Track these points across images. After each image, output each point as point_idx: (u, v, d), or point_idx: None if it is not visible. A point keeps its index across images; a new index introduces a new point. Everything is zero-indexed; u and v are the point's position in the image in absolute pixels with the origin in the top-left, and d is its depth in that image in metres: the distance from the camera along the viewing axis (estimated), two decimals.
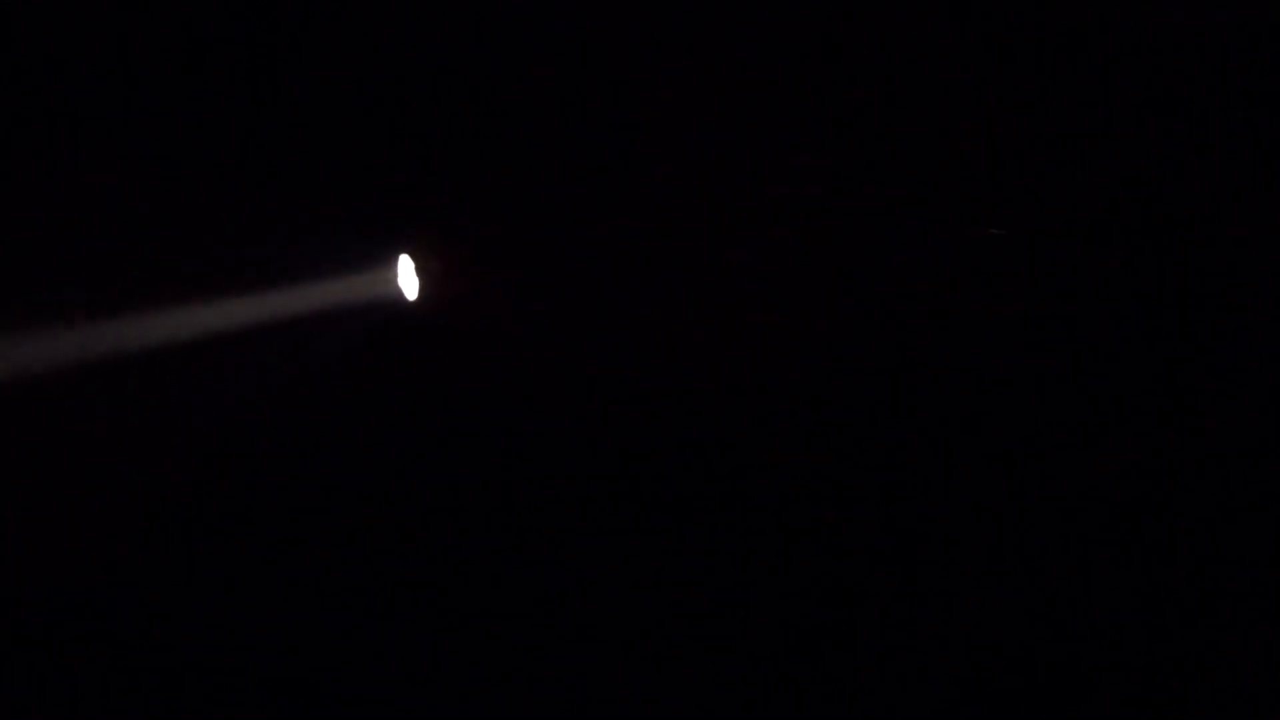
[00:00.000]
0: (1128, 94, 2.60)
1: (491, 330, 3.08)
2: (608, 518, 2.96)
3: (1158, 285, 2.60)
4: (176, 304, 2.89)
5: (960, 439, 2.75)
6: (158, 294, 2.87)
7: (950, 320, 2.74)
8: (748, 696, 2.76)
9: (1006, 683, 2.60)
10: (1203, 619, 2.48)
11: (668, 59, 2.94)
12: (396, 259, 3.11)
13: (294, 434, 3.06)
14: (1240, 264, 2.53)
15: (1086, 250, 2.66)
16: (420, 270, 3.08)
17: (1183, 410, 2.65)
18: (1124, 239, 2.62)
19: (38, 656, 2.74)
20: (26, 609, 2.75)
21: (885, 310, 2.79)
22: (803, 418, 2.90)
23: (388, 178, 3.03)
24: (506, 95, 2.99)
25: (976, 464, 2.73)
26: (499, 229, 3.08)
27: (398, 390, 3.11)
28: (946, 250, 2.72)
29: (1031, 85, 2.66)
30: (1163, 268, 2.59)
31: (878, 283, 2.79)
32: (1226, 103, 2.52)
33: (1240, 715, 2.37)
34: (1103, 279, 2.64)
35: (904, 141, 2.77)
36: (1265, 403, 2.51)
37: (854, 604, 2.76)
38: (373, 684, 2.90)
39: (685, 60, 2.93)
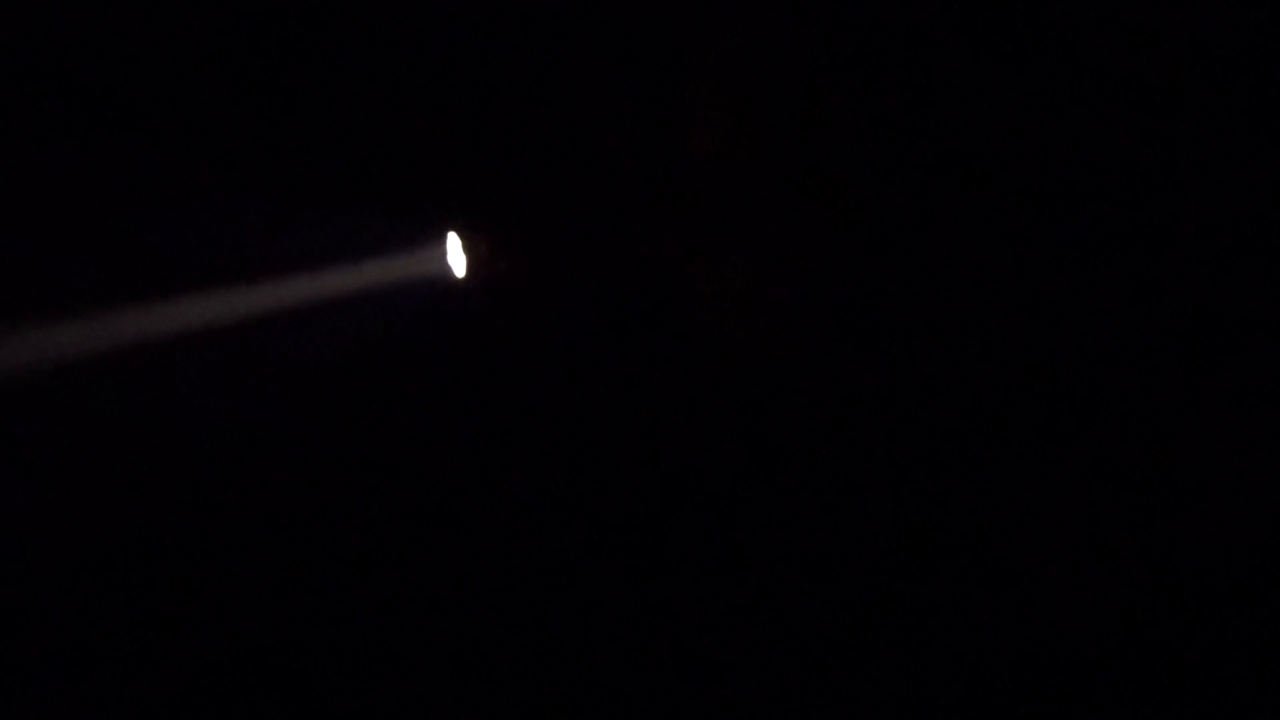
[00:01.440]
0: (1129, 94, 2.44)
1: (535, 307, 3.13)
2: (651, 496, 2.99)
3: (1158, 285, 2.46)
4: (232, 284, 3.02)
5: (961, 439, 2.69)
6: (212, 276, 3.00)
7: (950, 320, 2.67)
8: (750, 697, 2.78)
9: (1007, 683, 2.57)
10: (1203, 619, 2.39)
11: (715, 43, 2.89)
12: (446, 237, 3.19)
13: (345, 407, 3.18)
14: (1240, 264, 2.38)
15: (1087, 250, 2.53)
16: (467, 248, 3.15)
17: (1183, 410, 2.55)
18: (1124, 239, 2.49)
19: (57, 652, 2.81)
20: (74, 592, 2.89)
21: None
22: (841, 406, 2.86)
23: (438, 158, 3.08)
24: (554, 78, 3.00)
25: (977, 464, 2.66)
26: (543, 208, 3.11)
27: (446, 365, 3.20)
28: (948, 249, 2.63)
29: (1032, 85, 2.52)
30: (1163, 267, 2.45)
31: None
32: (1227, 103, 2.34)
33: (1240, 715, 2.30)
34: (1103, 279, 2.51)
35: (910, 140, 2.68)
36: (1265, 403, 2.36)
37: (856, 604, 2.74)
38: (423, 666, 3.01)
39: (733, 45, 2.88)
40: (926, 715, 2.73)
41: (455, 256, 3.20)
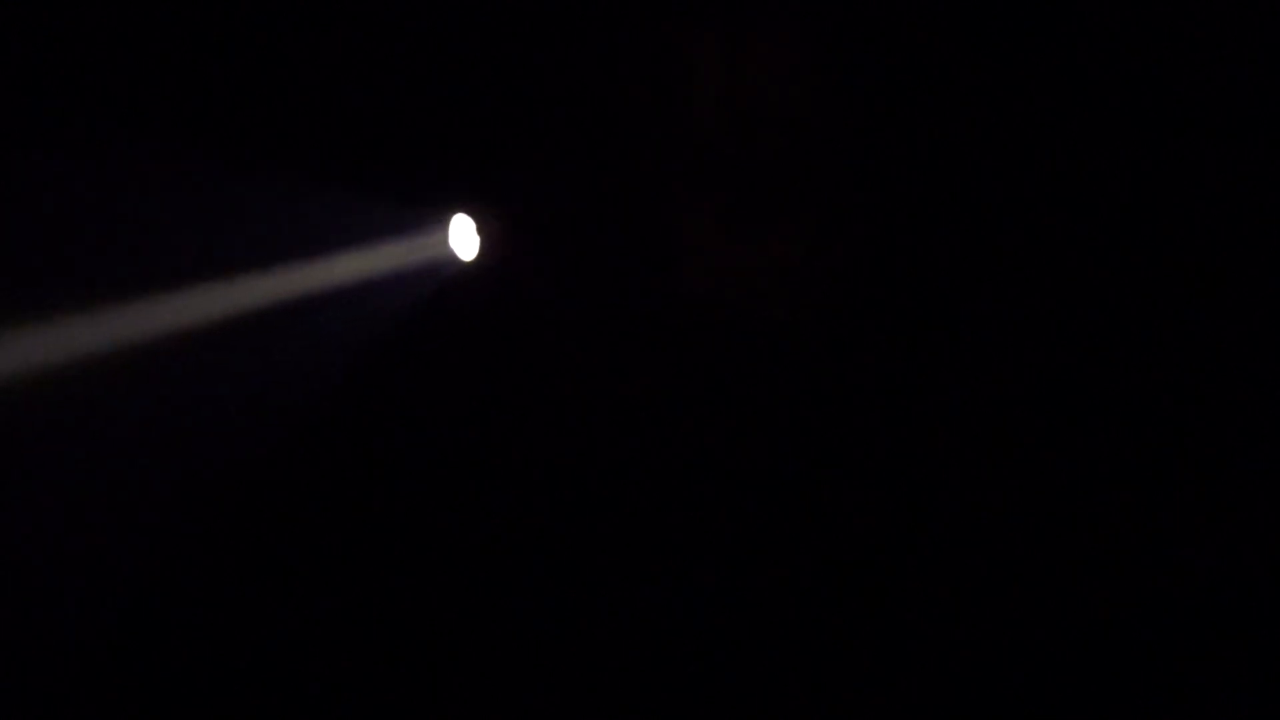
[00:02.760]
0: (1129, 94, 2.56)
1: (556, 290, 3.00)
2: (673, 484, 2.96)
3: (1158, 285, 2.62)
4: (233, 274, 2.76)
5: (962, 440, 2.79)
6: (213, 266, 2.73)
7: (952, 320, 2.75)
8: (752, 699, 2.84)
9: (1008, 683, 2.71)
10: (1202, 620, 2.59)
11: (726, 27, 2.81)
12: (450, 220, 2.98)
13: (353, 401, 2.99)
14: (1240, 264, 2.56)
15: (1087, 251, 2.66)
16: (480, 230, 2.96)
17: (1182, 411, 2.72)
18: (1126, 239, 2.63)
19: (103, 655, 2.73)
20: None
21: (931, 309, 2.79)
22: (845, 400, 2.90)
23: (445, 136, 2.87)
24: (560, 56, 2.84)
25: (978, 465, 2.77)
26: (566, 186, 2.96)
27: (458, 352, 3.03)
28: (949, 249, 2.70)
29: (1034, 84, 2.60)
30: (1163, 268, 2.61)
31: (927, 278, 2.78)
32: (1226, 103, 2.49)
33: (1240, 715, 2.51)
34: (1102, 279, 2.65)
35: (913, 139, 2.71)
36: (1265, 403, 2.56)
37: (857, 605, 2.82)
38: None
39: (744, 30, 2.81)
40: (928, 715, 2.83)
41: (462, 239, 2.99)
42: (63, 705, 2.70)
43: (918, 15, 2.77)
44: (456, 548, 3.00)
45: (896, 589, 2.90)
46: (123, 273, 2.61)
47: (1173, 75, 2.67)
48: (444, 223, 2.99)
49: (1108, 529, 2.79)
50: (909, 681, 2.86)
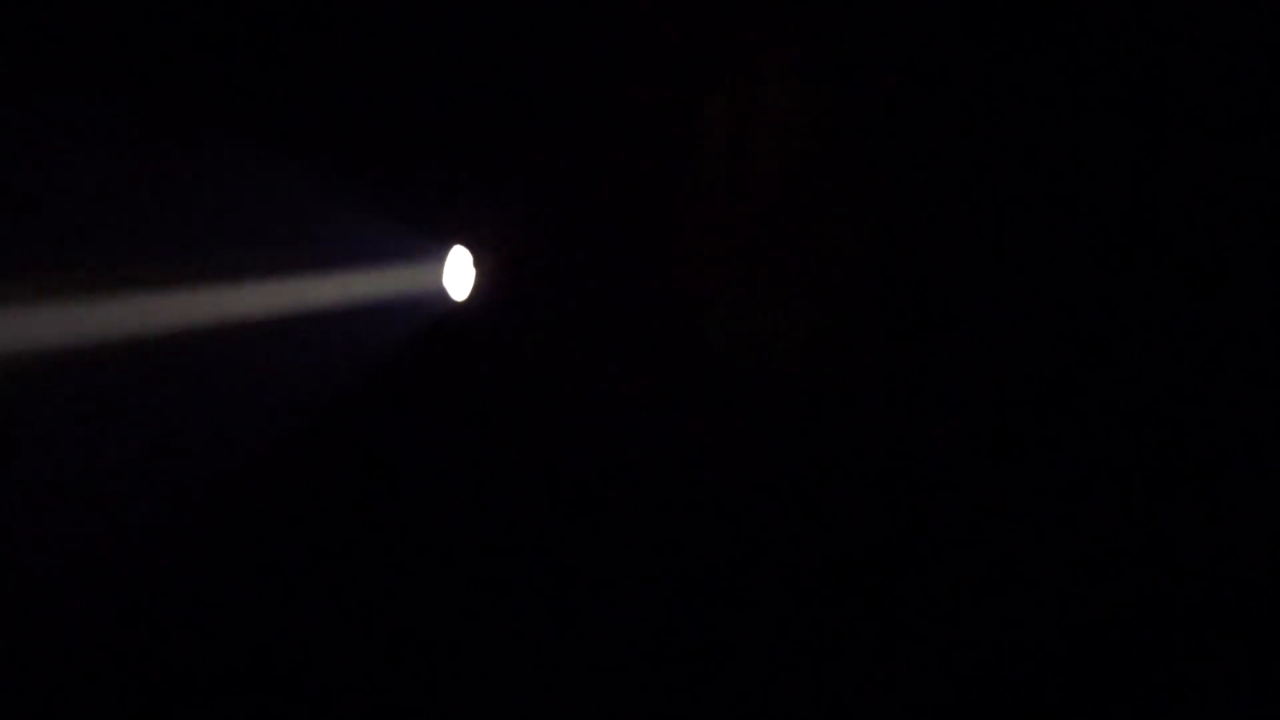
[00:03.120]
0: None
1: (554, 332, 2.99)
2: (664, 531, 2.98)
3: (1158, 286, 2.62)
4: (204, 287, 2.72)
5: (964, 442, 2.81)
6: (183, 275, 2.69)
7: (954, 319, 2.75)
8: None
9: (1008, 683, 2.76)
10: (1202, 620, 2.63)
11: (734, 54, 2.75)
12: (445, 254, 2.97)
13: (327, 432, 2.98)
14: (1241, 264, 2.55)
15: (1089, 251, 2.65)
16: (477, 266, 2.95)
17: (1184, 412, 2.74)
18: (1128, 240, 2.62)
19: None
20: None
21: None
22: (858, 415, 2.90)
23: (448, 164, 2.85)
24: (582, 82, 2.80)
25: (979, 467, 2.79)
26: (568, 224, 2.94)
27: (450, 394, 3.03)
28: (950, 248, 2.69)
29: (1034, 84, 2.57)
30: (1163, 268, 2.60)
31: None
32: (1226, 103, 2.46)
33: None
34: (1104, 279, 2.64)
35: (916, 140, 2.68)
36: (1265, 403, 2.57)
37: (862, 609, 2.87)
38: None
39: (753, 57, 2.76)
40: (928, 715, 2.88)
41: (457, 274, 2.99)
42: (63, 705, 2.69)
43: (943, 51, 2.73)
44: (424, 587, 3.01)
45: (906, 616, 2.94)
46: (106, 268, 2.57)
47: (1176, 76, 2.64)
48: (440, 257, 2.98)
49: (1108, 529, 2.83)
50: (909, 682, 2.92)
